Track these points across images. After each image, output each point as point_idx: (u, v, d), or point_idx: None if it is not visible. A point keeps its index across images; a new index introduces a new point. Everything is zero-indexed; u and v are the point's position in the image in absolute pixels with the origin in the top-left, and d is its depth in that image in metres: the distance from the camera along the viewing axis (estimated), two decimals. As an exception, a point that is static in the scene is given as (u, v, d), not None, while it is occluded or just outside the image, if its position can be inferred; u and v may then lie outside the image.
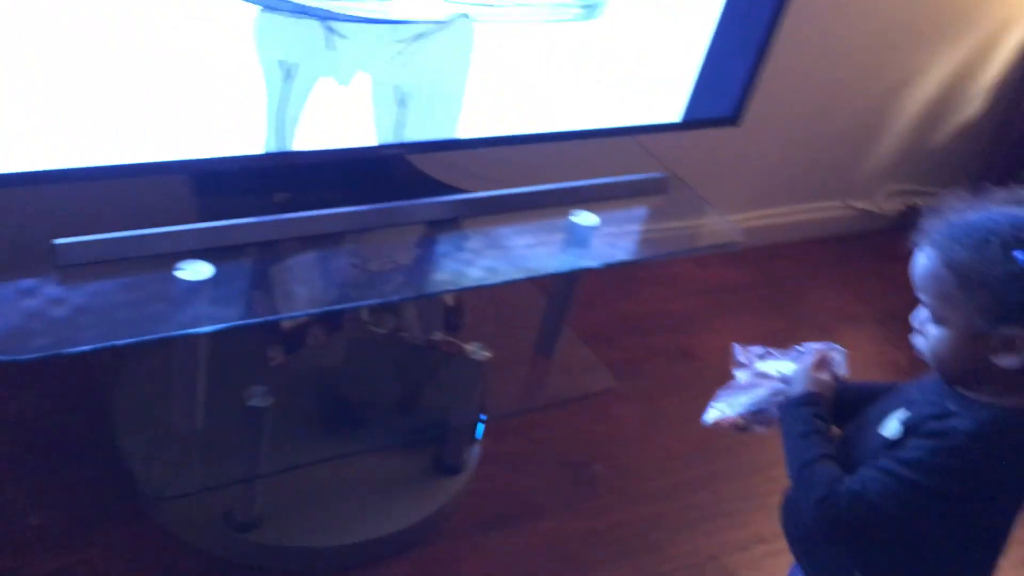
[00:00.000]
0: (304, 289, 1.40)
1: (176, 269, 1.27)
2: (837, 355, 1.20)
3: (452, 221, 1.54)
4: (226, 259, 1.32)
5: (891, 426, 1.05)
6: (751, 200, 2.55)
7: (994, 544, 1.12)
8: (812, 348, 1.21)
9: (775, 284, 2.53)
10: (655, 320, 2.32)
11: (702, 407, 2.09)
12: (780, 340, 1.28)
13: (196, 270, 1.28)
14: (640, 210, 1.64)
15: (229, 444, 1.49)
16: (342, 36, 1.31)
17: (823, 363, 1.18)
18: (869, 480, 1.02)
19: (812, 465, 1.07)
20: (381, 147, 1.47)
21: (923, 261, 1.03)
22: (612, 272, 2.35)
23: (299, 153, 1.40)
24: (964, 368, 1.02)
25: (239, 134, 1.33)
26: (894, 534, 1.06)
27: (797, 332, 2.37)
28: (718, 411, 1.22)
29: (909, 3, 2.37)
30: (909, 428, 1.03)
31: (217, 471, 1.45)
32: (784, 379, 1.20)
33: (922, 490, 1.00)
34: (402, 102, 1.40)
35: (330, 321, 1.61)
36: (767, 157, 2.46)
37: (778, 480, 1.19)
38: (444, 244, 1.49)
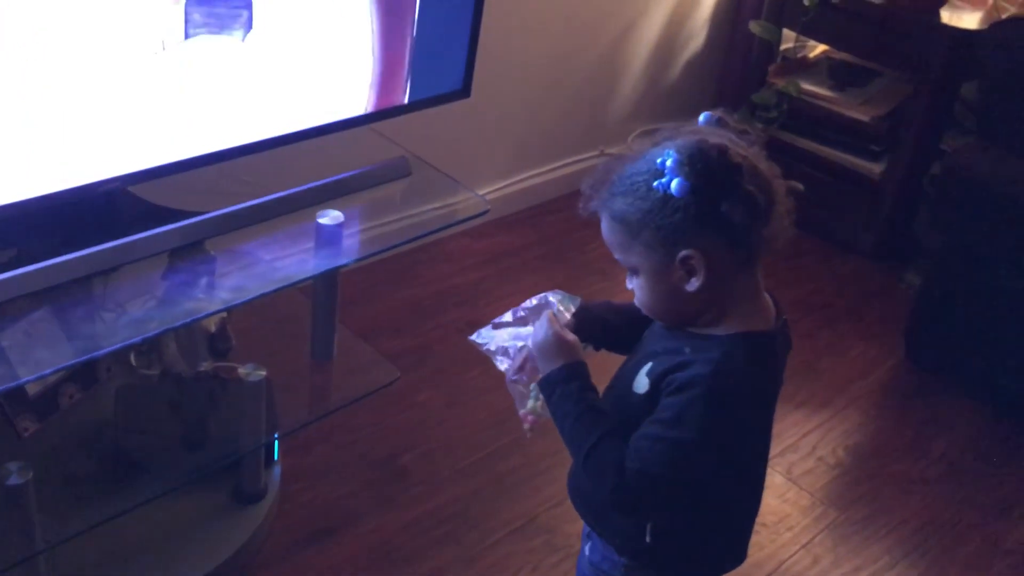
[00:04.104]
0: (40, 348, 1.30)
1: None
2: (553, 301, 1.17)
3: (195, 245, 1.48)
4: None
5: (640, 381, 1.09)
6: (510, 166, 2.59)
7: (760, 473, 1.19)
8: (526, 307, 1.18)
9: (550, 241, 2.59)
10: (440, 300, 2.32)
11: (499, 376, 2.13)
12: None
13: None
14: (389, 198, 1.63)
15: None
16: None
17: (555, 323, 1.12)
18: (646, 452, 1.04)
19: (594, 451, 1.07)
20: (100, 183, 1.39)
21: (602, 224, 1.08)
22: (386, 262, 2.34)
23: (8, 205, 1.30)
24: (670, 308, 1.07)
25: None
26: (687, 492, 1.09)
27: (580, 282, 2.44)
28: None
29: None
30: (654, 381, 1.07)
31: (-14, 560, 1.34)
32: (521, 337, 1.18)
33: (691, 444, 1.03)
34: None
35: (83, 376, 1.51)
36: (513, 121, 2.51)
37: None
38: (188, 271, 1.43)
